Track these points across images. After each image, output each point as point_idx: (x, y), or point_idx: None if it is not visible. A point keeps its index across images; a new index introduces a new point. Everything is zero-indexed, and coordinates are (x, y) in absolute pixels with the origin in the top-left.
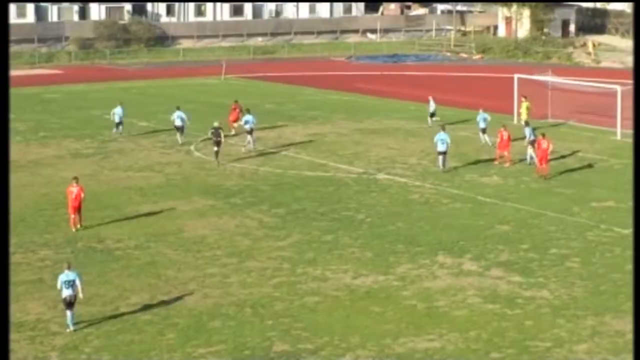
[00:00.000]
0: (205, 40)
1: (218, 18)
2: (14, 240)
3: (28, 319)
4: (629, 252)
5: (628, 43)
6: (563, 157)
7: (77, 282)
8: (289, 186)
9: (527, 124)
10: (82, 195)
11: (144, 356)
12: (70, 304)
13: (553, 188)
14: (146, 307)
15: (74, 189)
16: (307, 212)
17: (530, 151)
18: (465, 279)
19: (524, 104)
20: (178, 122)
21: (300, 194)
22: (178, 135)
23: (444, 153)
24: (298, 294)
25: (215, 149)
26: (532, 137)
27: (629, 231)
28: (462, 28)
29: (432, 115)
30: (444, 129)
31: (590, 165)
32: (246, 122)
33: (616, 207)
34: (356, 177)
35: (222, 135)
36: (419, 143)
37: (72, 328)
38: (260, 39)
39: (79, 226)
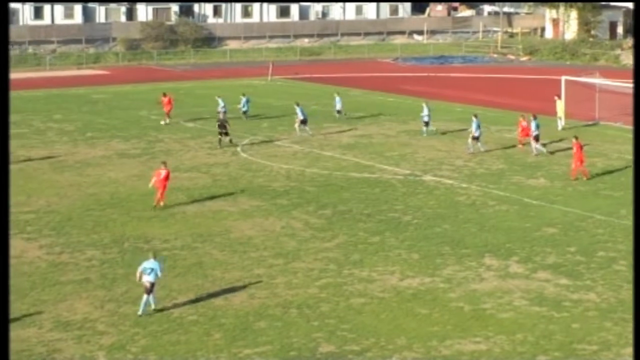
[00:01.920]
0: (252, 41)
1: (265, 19)
2: (61, 240)
3: (75, 319)
4: None
5: None
6: (611, 159)
7: (159, 271)
8: (335, 187)
9: (534, 117)
10: (169, 177)
11: (190, 356)
12: (148, 290)
13: (600, 190)
14: (193, 308)
15: (162, 171)
16: (354, 213)
17: (534, 144)
18: (511, 281)
19: (559, 103)
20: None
21: (346, 195)
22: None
23: (477, 138)
24: (344, 295)
25: (220, 137)
26: (537, 132)
27: None
28: (509, 30)
29: (339, 112)
30: (476, 117)
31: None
32: (303, 115)
33: None
34: (402, 179)
35: (228, 126)
36: (466, 144)
37: (140, 312)
38: (306, 40)
39: (161, 204)
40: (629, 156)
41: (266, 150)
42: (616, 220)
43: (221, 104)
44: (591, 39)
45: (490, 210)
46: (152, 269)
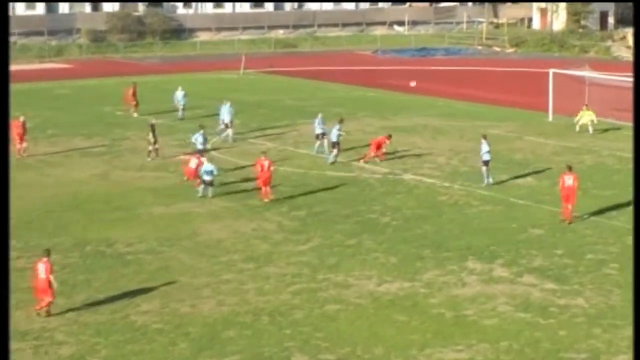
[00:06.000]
0: (223, 32)
1: (237, 9)
2: (19, 245)
3: (33, 328)
4: None
5: None
6: (601, 156)
7: (215, 171)
8: (310, 187)
9: (341, 120)
10: (272, 168)
11: None
12: (209, 184)
13: (590, 190)
14: (157, 315)
15: (265, 163)
16: (329, 214)
17: (317, 145)
18: (495, 286)
19: (587, 112)
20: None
21: (322, 195)
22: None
23: (487, 163)
24: (318, 302)
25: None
26: (320, 131)
27: None
28: (495, 20)
29: (227, 126)
30: (485, 138)
31: (630, 166)
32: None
33: None
34: (381, 178)
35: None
36: (448, 141)
37: (210, 195)
38: (281, 31)
39: (271, 197)
40: (620, 153)
41: (237, 148)
42: (606, 221)
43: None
44: (581, 30)
45: (474, 211)
46: (211, 171)
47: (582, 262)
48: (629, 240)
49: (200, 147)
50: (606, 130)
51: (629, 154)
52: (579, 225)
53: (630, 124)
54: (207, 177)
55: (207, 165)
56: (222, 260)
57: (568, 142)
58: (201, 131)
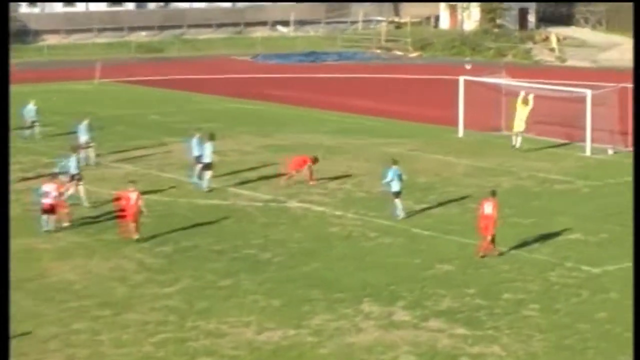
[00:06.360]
0: (75, 35)
1: (92, 8)
2: None
3: None
4: (600, 296)
5: (600, 37)
6: (521, 178)
7: (53, 193)
8: (177, 218)
9: (212, 137)
10: (141, 202)
11: None
12: (50, 210)
13: (507, 217)
14: None
15: (132, 195)
16: (200, 250)
17: (197, 172)
18: (396, 332)
19: (522, 108)
20: None
21: (191, 228)
22: None
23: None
24: (187, 354)
25: None
26: (197, 153)
27: (600, 270)
28: (396, 19)
29: (32, 126)
30: (396, 163)
31: (552, 189)
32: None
33: (585, 240)
34: (262, 206)
35: None
36: (342, 162)
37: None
38: (144, 33)
39: (137, 237)
40: (543, 174)
41: (91, 172)
42: (526, 254)
43: None
44: (496, 30)
45: (371, 244)
46: (47, 192)
47: (497, 303)
48: (552, 276)
49: (74, 171)
50: (537, 149)
51: (551, 175)
52: (494, 259)
53: (554, 139)
54: (45, 201)
55: (45, 186)
56: (73, 306)
57: (481, 161)
58: (74, 154)
